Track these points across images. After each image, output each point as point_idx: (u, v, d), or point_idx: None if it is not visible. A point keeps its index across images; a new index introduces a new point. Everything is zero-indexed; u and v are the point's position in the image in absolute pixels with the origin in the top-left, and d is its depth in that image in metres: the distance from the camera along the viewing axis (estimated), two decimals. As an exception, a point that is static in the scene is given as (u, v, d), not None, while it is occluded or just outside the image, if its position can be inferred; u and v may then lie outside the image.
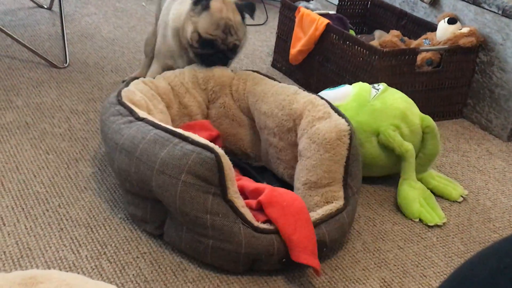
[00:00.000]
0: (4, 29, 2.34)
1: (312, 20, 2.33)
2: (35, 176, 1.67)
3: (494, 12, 2.19)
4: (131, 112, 1.55)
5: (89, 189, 1.64)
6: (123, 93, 1.64)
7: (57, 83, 2.21)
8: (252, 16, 1.87)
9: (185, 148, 1.39)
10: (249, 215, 1.39)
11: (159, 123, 1.50)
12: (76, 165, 1.74)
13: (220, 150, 1.40)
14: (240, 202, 1.40)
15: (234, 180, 1.41)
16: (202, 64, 1.84)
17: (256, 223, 1.39)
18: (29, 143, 1.82)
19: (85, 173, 1.71)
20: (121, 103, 1.59)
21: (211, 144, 1.41)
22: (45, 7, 2.93)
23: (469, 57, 2.26)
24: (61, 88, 2.18)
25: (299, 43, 2.39)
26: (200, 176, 1.36)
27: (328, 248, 1.46)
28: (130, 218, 1.55)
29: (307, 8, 2.46)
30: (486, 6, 2.22)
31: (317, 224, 1.43)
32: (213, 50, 1.81)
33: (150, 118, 1.53)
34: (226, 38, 1.80)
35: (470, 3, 2.28)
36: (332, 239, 1.45)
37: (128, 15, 3.00)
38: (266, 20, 3.18)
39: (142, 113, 1.56)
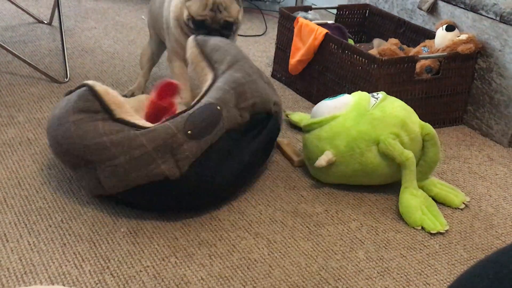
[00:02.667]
0: (4, 45, 2.36)
1: (310, 30, 2.34)
2: (37, 191, 1.67)
3: (492, 18, 2.20)
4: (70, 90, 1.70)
5: (91, 204, 1.64)
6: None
7: (58, 98, 2.22)
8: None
9: (67, 97, 1.60)
10: (143, 123, 1.53)
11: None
12: (78, 180, 1.74)
13: (91, 82, 1.57)
14: (132, 118, 1.54)
15: (122, 103, 1.55)
16: None
17: (149, 125, 1.52)
18: (31, 158, 1.82)
19: (87, 187, 1.71)
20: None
21: (85, 82, 1.58)
22: (45, 22, 2.94)
23: (468, 63, 2.27)
24: (62, 103, 2.19)
25: (298, 53, 2.40)
26: (83, 110, 1.53)
27: (221, 107, 1.60)
28: (133, 232, 1.55)
29: (306, 18, 2.47)
30: (483, 13, 2.23)
31: (199, 100, 1.62)
32: (207, 30, 1.92)
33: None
34: (215, 16, 1.90)
35: (467, 10, 2.29)
36: (216, 98, 1.62)
37: (128, 28, 3.02)
38: (265, 30, 3.20)
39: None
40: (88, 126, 1.52)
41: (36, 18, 2.97)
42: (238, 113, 1.65)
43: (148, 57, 2.30)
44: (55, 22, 2.89)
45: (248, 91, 1.69)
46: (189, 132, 1.51)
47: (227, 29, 1.94)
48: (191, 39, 1.86)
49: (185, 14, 1.93)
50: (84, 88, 1.56)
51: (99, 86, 1.56)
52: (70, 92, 1.64)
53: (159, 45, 2.29)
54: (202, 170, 1.53)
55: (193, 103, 1.63)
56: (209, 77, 1.74)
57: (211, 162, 1.54)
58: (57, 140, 1.58)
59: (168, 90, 1.79)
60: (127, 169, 1.49)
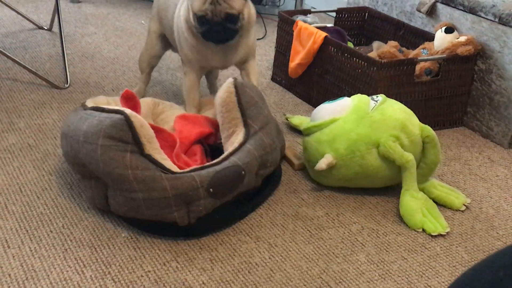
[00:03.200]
0: (4, 51, 2.36)
1: (310, 33, 2.35)
2: (38, 197, 1.68)
3: (491, 20, 2.20)
4: (83, 105, 1.73)
5: (92, 209, 1.65)
6: (87, 101, 1.80)
7: (58, 103, 2.23)
8: None
9: (100, 117, 1.57)
10: (169, 165, 1.54)
11: (97, 106, 1.67)
12: (79, 186, 1.74)
13: (129, 111, 1.56)
14: (160, 156, 1.54)
15: (153, 138, 1.56)
16: (209, 41, 1.93)
17: (176, 170, 1.53)
18: (32, 164, 1.83)
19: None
20: (85, 108, 1.72)
21: (122, 108, 1.56)
22: (45, 28, 2.95)
23: (468, 65, 2.27)
24: (62, 108, 2.19)
25: (298, 57, 2.41)
26: (114, 137, 1.52)
27: (245, 172, 1.60)
28: (134, 237, 1.55)
29: (305, 21, 2.47)
30: (482, 15, 2.23)
31: (227, 156, 1.62)
32: (208, 25, 1.89)
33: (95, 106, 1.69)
34: (215, 9, 1.86)
35: (466, 12, 2.30)
36: (244, 163, 1.61)
37: (128, 34, 3.02)
38: (265, 34, 3.20)
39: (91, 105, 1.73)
40: (116, 155, 1.51)
41: (36, 24, 2.98)
42: (255, 178, 1.67)
43: (147, 61, 2.28)
44: (55, 28, 2.90)
45: (270, 160, 1.73)
46: (211, 190, 1.53)
47: (230, 22, 1.89)
48: (229, 81, 1.81)
49: (191, 13, 1.92)
50: (120, 116, 1.54)
51: (135, 117, 1.54)
52: (102, 109, 1.60)
53: (160, 47, 2.26)
54: (207, 223, 1.56)
55: (220, 159, 1.62)
56: (241, 132, 1.73)
57: (217, 215, 1.57)
58: (77, 153, 1.59)
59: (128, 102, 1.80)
60: (142, 205, 1.50)
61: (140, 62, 2.32)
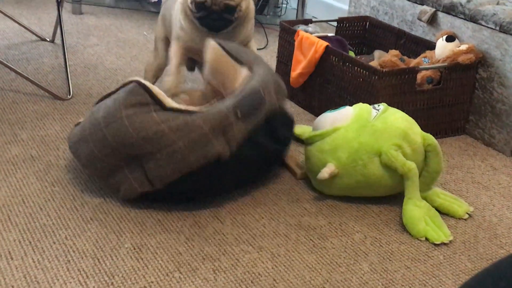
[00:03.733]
0: (7, 63, 2.37)
1: (311, 43, 2.36)
2: (41, 208, 1.68)
3: (492, 28, 2.20)
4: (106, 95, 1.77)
5: (95, 220, 1.65)
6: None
7: (61, 115, 2.24)
8: None
9: (113, 96, 1.65)
10: (192, 109, 1.62)
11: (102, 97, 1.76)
12: (82, 196, 1.75)
13: (137, 78, 1.64)
14: (180, 106, 1.62)
15: (165, 96, 1.64)
16: (204, 27, 2.04)
17: (200, 110, 1.62)
18: (35, 176, 1.83)
19: (91, 204, 1.72)
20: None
21: (131, 79, 1.65)
22: (48, 40, 2.96)
23: (469, 73, 2.27)
24: (65, 119, 2.20)
25: (299, 66, 2.41)
26: (135, 103, 1.59)
27: (264, 92, 1.71)
28: (137, 248, 1.55)
29: (306, 31, 2.48)
30: (483, 23, 2.23)
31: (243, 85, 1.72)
32: (207, 11, 1.99)
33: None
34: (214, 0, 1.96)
35: (467, 21, 2.30)
36: (260, 83, 1.72)
37: (130, 45, 3.03)
38: (267, 44, 3.21)
39: None
40: (144, 117, 1.58)
41: (38, 36, 2.99)
42: (275, 97, 1.75)
43: (153, 72, 2.34)
44: (58, 39, 2.91)
45: (280, 82, 1.84)
46: (238, 113, 1.63)
47: (228, 12, 2.00)
48: (211, 41, 1.91)
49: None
50: (133, 84, 1.62)
51: (147, 82, 1.64)
52: (109, 94, 1.69)
53: (166, 58, 2.29)
54: (247, 150, 1.65)
55: (239, 88, 1.73)
56: (243, 70, 1.83)
57: (252, 142, 1.66)
58: (104, 143, 1.62)
59: None
60: (186, 153, 1.58)
61: (146, 72, 2.36)
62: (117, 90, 1.68)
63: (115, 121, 1.59)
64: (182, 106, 1.64)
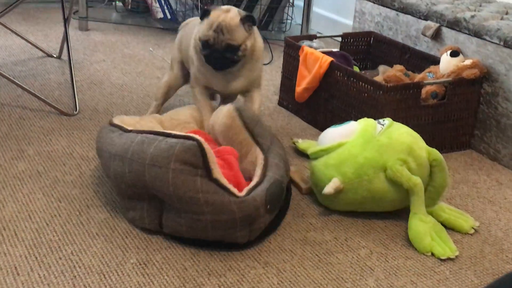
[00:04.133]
0: (14, 79, 2.39)
1: (316, 58, 2.37)
2: (47, 224, 1.69)
3: (496, 43, 2.21)
4: (121, 128, 1.82)
5: (101, 235, 1.65)
6: (114, 119, 1.93)
7: (67, 130, 2.25)
8: (252, 23, 2.03)
9: (170, 141, 1.62)
10: (233, 189, 1.62)
11: (144, 130, 1.78)
12: (87, 212, 1.75)
13: (200, 138, 1.63)
14: (224, 180, 1.62)
15: (216, 163, 1.63)
16: (209, 65, 2.06)
17: (239, 194, 1.61)
18: (41, 191, 1.84)
19: (96, 219, 1.72)
20: (112, 124, 1.87)
21: (191, 135, 1.64)
22: (55, 56, 2.99)
23: (474, 88, 2.28)
24: (71, 135, 2.21)
25: (304, 81, 2.42)
26: (186, 162, 1.59)
27: (284, 184, 1.74)
28: (142, 263, 1.56)
29: (311, 46, 2.49)
30: (487, 38, 2.24)
31: (263, 174, 1.72)
32: (209, 49, 2.02)
33: (137, 129, 1.80)
34: (218, 37, 1.99)
35: (471, 36, 2.31)
36: (280, 176, 1.73)
37: (136, 60, 3.05)
38: (271, 59, 3.23)
39: (130, 128, 1.83)
40: (188, 179, 1.58)
41: (45, 52, 3.01)
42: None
43: (165, 90, 2.35)
44: (64, 55, 2.93)
45: (288, 169, 1.85)
46: (268, 207, 1.64)
47: (230, 52, 2.01)
48: (229, 107, 1.89)
49: (198, 35, 2.05)
50: (193, 142, 1.60)
51: (206, 145, 1.62)
52: (167, 134, 1.66)
53: (181, 76, 2.34)
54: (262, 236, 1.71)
55: (258, 177, 1.72)
56: (255, 149, 1.85)
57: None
58: (140, 176, 1.62)
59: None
60: (209, 227, 1.59)
61: (157, 89, 2.37)
62: (181, 137, 1.64)
63: (160, 168, 1.59)
64: (226, 182, 1.62)
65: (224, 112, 1.89)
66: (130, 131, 1.78)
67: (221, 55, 2.01)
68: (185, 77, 2.34)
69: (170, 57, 2.38)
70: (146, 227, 1.68)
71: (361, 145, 1.78)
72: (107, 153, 1.76)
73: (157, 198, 1.65)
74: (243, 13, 2.04)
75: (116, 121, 1.90)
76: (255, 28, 2.07)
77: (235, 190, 1.62)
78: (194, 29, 2.17)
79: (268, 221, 1.67)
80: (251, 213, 1.60)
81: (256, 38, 2.08)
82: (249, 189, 1.65)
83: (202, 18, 2.04)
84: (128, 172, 1.65)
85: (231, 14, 2.01)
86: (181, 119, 2.11)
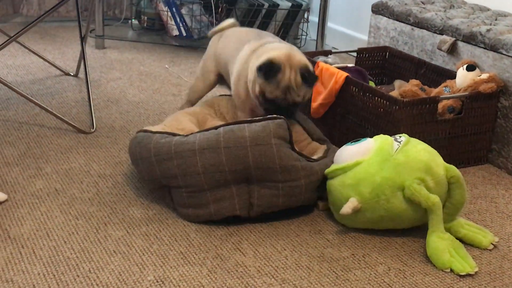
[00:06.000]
0: (32, 98, 2.42)
1: (331, 74, 2.37)
2: (65, 242, 1.69)
3: (512, 57, 2.20)
4: (174, 134, 1.91)
5: (118, 253, 1.66)
6: (147, 128, 2.02)
7: (84, 148, 2.26)
8: (309, 83, 2.08)
9: (260, 123, 1.83)
10: (308, 156, 1.92)
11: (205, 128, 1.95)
12: (105, 229, 1.76)
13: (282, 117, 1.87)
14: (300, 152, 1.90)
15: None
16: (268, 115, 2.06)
17: (314, 158, 1.94)
18: (59, 209, 1.85)
19: (114, 236, 1.73)
20: (154, 131, 1.95)
21: (278, 116, 1.86)
22: (72, 74, 3.02)
23: (491, 102, 2.27)
24: (88, 153, 2.23)
25: (319, 97, 2.42)
26: (281, 136, 1.82)
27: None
28: (159, 280, 1.56)
29: (326, 62, 2.50)
30: (504, 52, 2.23)
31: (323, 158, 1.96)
32: (276, 107, 2.06)
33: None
34: (286, 97, 2.05)
35: (487, 50, 2.30)
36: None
37: (152, 78, 3.08)
38: (287, 75, 3.23)
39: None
40: (287, 150, 1.83)
41: (62, 71, 3.05)
42: None
43: (200, 94, 2.42)
44: (81, 74, 2.96)
45: None
46: None
47: (294, 107, 2.09)
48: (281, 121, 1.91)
49: (257, 89, 2.05)
50: (282, 121, 1.85)
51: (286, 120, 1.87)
52: (250, 121, 1.85)
53: (215, 82, 2.40)
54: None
55: (321, 154, 2.00)
56: (316, 144, 2.14)
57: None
58: (243, 158, 1.79)
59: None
60: (303, 191, 1.84)
61: (191, 93, 2.43)
62: (261, 120, 1.85)
63: (264, 145, 1.79)
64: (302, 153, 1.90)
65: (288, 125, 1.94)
66: (187, 135, 1.87)
67: (289, 110, 2.07)
68: (219, 78, 2.40)
69: (201, 66, 2.39)
70: (236, 213, 1.82)
71: (378, 164, 1.77)
72: (185, 153, 1.81)
73: (245, 182, 1.82)
74: (304, 69, 2.05)
75: (153, 129, 1.98)
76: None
77: (310, 158, 1.90)
78: (234, 39, 2.25)
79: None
80: (323, 175, 1.88)
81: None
82: (319, 157, 1.94)
83: (268, 76, 2.00)
84: (226, 159, 1.79)
85: (295, 70, 2.02)
86: (187, 128, 2.12)
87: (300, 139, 2.14)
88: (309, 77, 2.05)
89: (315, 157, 1.97)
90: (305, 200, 1.87)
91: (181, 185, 1.83)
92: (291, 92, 2.03)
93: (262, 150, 1.79)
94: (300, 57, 2.07)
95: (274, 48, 2.10)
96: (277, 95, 2.02)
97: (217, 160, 1.79)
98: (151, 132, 1.93)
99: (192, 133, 1.88)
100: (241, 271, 1.62)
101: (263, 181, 1.82)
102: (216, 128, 1.86)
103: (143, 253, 1.66)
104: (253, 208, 1.83)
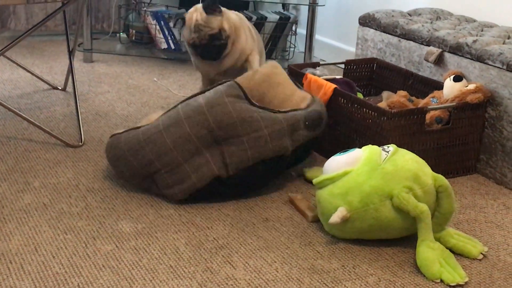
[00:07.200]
0: (20, 112, 2.41)
1: (319, 85, 2.38)
2: (54, 257, 1.68)
3: (499, 67, 2.22)
4: (137, 127, 2.07)
5: (107, 267, 1.65)
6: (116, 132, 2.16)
7: (73, 162, 2.25)
8: (210, 11, 2.43)
9: (211, 90, 2.01)
10: (275, 109, 2.04)
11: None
12: (94, 243, 1.75)
13: (235, 79, 2.03)
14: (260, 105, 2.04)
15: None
16: (207, 60, 2.53)
17: (282, 110, 2.05)
18: (47, 224, 1.84)
19: (103, 251, 1.72)
20: (121, 132, 2.09)
21: (230, 80, 2.02)
22: (60, 88, 3.01)
23: (478, 112, 2.28)
24: (77, 167, 2.22)
25: (308, 109, 2.43)
26: (232, 95, 1.96)
27: (323, 116, 2.19)
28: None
29: (314, 74, 2.51)
30: (490, 62, 2.25)
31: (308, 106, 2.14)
32: (199, 48, 2.44)
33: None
34: (199, 35, 2.40)
35: (474, 60, 2.32)
36: (321, 110, 2.19)
37: (141, 91, 3.07)
38: (275, 87, 3.24)
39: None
40: (242, 105, 1.95)
41: (50, 85, 3.04)
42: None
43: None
44: (69, 87, 2.96)
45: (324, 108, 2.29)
46: (306, 123, 2.05)
47: (215, 39, 2.42)
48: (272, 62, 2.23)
49: (185, 42, 2.50)
50: (231, 82, 1.99)
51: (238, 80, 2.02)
52: (199, 93, 2.01)
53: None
54: (300, 153, 2.12)
55: (305, 106, 2.13)
56: (302, 92, 2.24)
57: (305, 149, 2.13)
58: (204, 123, 1.93)
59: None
60: (268, 140, 1.94)
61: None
62: (211, 88, 2.01)
63: (219, 105, 1.93)
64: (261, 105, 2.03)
65: (267, 65, 2.20)
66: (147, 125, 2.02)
67: (210, 46, 2.41)
68: None
69: None
70: (216, 175, 1.94)
71: (367, 173, 1.78)
72: (149, 137, 1.96)
73: (214, 144, 1.94)
74: (205, 3, 2.44)
75: (120, 131, 2.10)
76: (224, 10, 2.47)
77: (278, 109, 2.02)
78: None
79: (305, 138, 2.05)
80: (293, 123, 2.00)
81: (228, 16, 2.46)
82: (292, 109, 2.05)
83: (182, 26, 2.46)
84: (190, 128, 1.93)
85: (199, 11, 2.42)
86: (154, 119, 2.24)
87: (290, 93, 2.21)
88: (210, 7, 2.40)
89: (302, 106, 2.11)
90: (274, 149, 1.96)
91: (159, 167, 1.96)
92: (200, 28, 2.40)
93: (219, 110, 1.93)
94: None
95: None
96: (192, 37, 2.40)
97: (182, 132, 1.94)
98: (119, 133, 2.07)
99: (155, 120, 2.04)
100: (231, 285, 1.61)
101: (228, 138, 1.94)
102: (175, 106, 2.02)
103: (132, 267, 1.65)
104: (228, 167, 1.94)
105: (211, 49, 2.44)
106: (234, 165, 1.95)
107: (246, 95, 1.99)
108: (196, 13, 2.46)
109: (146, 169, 1.98)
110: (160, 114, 2.19)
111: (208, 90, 2.02)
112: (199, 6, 2.47)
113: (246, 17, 3.60)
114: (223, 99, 1.95)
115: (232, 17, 2.51)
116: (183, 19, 2.49)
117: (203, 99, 1.97)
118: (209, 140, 1.95)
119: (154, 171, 1.97)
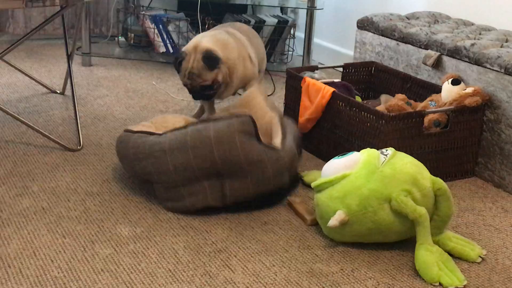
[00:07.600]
0: (18, 116, 2.41)
1: (318, 89, 2.38)
2: (52, 261, 1.68)
3: (497, 70, 2.22)
4: (150, 133, 2.05)
5: (106, 271, 1.64)
6: (130, 127, 2.16)
7: (71, 166, 2.25)
8: (210, 66, 2.34)
9: (225, 121, 1.96)
10: (273, 146, 2.05)
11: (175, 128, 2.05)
12: (92, 247, 1.75)
13: (248, 113, 2.01)
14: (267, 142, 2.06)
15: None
16: (196, 99, 2.59)
17: (279, 147, 2.05)
18: (46, 228, 1.84)
19: (101, 255, 1.72)
20: (135, 131, 2.08)
21: (238, 113, 2.01)
22: (58, 92, 3.01)
23: (476, 116, 2.28)
24: (75, 171, 2.22)
25: (306, 112, 2.43)
26: (245, 132, 1.94)
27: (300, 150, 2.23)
28: None
29: (312, 77, 2.51)
30: (488, 65, 2.25)
31: (284, 137, 2.12)
32: (189, 91, 2.43)
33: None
34: (192, 82, 2.37)
35: (472, 64, 2.32)
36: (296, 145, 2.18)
37: (139, 95, 3.07)
38: (274, 90, 3.24)
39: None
40: (250, 145, 1.94)
41: (49, 88, 3.04)
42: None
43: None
44: (68, 91, 2.96)
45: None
46: (300, 153, 2.12)
47: (207, 90, 2.39)
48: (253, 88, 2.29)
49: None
50: (247, 117, 1.97)
51: (251, 117, 2.00)
52: (215, 119, 2.00)
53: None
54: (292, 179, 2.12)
55: (281, 133, 2.13)
56: (273, 115, 2.24)
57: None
58: (209, 155, 1.91)
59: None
60: (271, 178, 1.96)
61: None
62: (226, 118, 1.98)
63: (228, 143, 1.91)
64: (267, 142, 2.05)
65: (251, 89, 2.27)
66: (161, 134, 2.00)
67: (201, 93, 2.40)
68: None
69: None
70: (209, 204, 1.94)
71: (365, 177, 1.78)
72: (153, 152, 1.95)
73: (216, 175, 1.93)
74: (205, 53, 2.32)
75: (135, 128, 2.12)
76: (226, 39, 2.40)
77: (275, 146, 2.03)
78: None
79: (298, 165, 2.12)
80: (292, 158, 2.04)
81: (225, 63, 2.36)
82: (281, 142, 2.05)
83: (177, 66, 2.38)
84: (194, 158, 1.90)
85: (198, 57, 2.32)
86: (169, 127, 2.18)
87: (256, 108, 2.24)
88: (209, 60, 2.32)
89: (276, 140, 2.10)
90: (275, 185, 1.98)
91: (158, 181, 1.98)
92: (193, 77, 2.34)
93: (227, 148, 1.91)
94: (206, 44, 2.34)
95: (196, 38, 2.40)
96: (184, 81, 2.37)
97: (185, 159, 1.92)
98: (132, 132, 2.07)
99: (165, 132, 2.02)
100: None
101: (232, 174, 1.93)
102: (185, 127, 2.00)
103: (131, 271, 1.65)
104: (226, 198, 1.94)
105: (202, 96, 2.44)
106: (233, 198, 1.95)
107: (257, 132, 1.97)
108: (194, 56, 2.33)
109: (146, 177, 2.01)
110: (177, 119, 2.27)
111: (222, 118, 1.99)
112: (200, 48, 2.35)
113: (245, 21, 3.61)
114: (233, 137, 1.92)
115: (231, 56, 2.39)
116: (177, 58, 2.38)
117: (213, 132, 1.93)
118: (211, 172, 1.93)
119: (154, 181, 2.00)
